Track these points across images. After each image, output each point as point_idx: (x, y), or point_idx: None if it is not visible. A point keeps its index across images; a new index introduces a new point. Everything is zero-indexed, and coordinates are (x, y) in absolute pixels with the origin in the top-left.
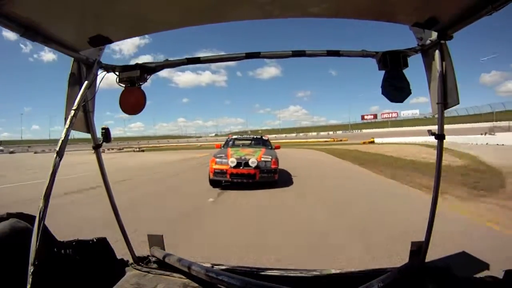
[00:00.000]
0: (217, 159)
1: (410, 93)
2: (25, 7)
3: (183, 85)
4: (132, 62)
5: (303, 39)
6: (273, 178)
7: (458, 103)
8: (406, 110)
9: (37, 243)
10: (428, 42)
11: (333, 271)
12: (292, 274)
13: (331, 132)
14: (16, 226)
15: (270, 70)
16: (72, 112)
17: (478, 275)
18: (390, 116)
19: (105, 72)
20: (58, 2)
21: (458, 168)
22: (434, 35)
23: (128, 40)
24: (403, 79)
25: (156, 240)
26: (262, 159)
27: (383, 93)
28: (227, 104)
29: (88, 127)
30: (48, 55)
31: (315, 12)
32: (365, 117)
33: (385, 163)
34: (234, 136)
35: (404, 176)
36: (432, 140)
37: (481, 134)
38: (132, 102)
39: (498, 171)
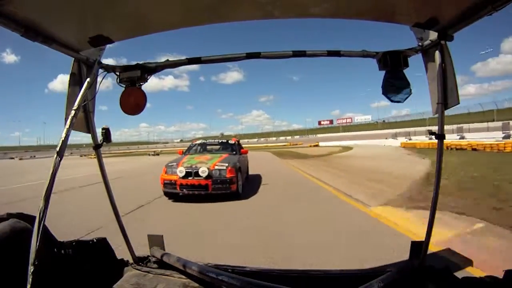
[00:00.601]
0: (167, 169)
1: (411, 93)
2: (25, 7)
3: (145, 90)
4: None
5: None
6: (229, 189)
7: (458, 103)
8: (360, 116)
9: (37, 243)
10: (428, 42)
11: (333, 271)
12: (292, 274)
13: (289, 137)
14: (16, 226)
15: (233, 75)
16: (73, 112)
17: (477, 275)
18: (345, 121)
19: (106, 72)
20: (58, 2)
21: (317, 154)
22: (434, 35)
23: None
24: (404, 79)
25: (156, 240)
26: (216, 167)
27: (383, 93)
28: (190, 109)
29: (89, 127)
30: (10, 56)
31: (315, 12)
32: (322, 122)
33: (292, 156)
34: (199, 141)
35: (290, 159)
36: (354, 142)
37: (386, 138)
38: (133, 103)
39: (332, 154)
